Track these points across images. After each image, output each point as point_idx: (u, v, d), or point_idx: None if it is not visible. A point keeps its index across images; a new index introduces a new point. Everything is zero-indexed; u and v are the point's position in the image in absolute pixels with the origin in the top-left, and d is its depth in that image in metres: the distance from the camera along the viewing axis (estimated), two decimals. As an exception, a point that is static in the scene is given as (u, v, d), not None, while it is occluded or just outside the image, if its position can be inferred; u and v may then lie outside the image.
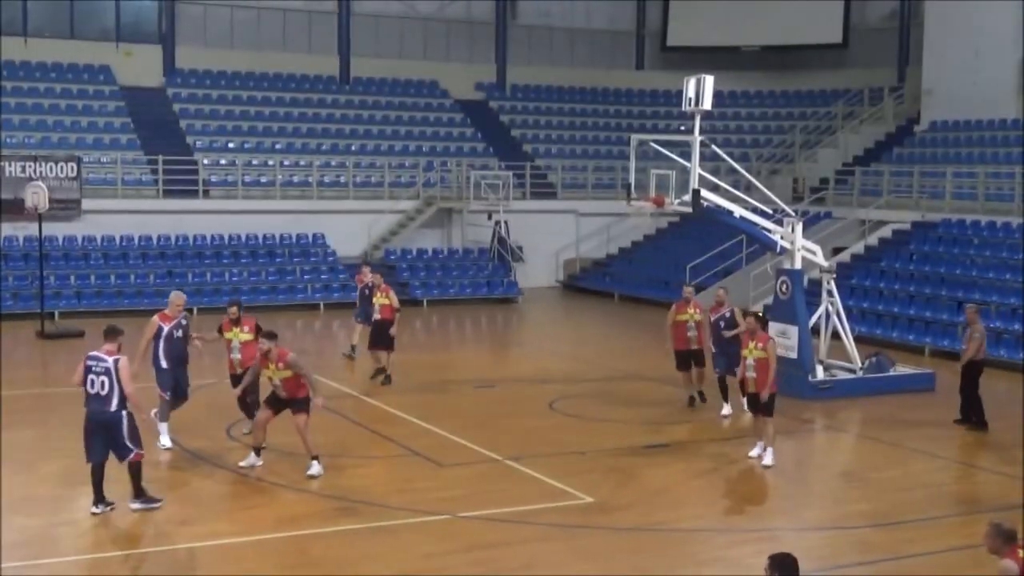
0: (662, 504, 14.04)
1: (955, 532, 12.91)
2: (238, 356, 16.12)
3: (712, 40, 42.36)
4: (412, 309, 30.15)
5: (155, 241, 31.80)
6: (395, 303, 20.98)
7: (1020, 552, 8.39)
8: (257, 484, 14.26)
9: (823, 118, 40.68)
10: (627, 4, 44.58)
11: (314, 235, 33.51)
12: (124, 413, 12.65)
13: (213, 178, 34.09)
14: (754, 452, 15.86)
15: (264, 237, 32.95)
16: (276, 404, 14.69)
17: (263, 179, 34.71)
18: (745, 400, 16.29)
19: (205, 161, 34.34)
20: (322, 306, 31.34)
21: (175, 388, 15.84)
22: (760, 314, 17.99)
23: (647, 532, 12.85)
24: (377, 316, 20.85)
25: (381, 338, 20.80)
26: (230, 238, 32.56)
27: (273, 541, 12.25)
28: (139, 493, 12.99)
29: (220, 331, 16.40)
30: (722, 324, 18.45)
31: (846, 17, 41.48)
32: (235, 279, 31.27)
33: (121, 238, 31.43)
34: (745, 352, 15.88)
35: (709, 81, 19.47)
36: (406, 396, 19.86)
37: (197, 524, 12.76)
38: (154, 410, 15.40)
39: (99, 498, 12.84)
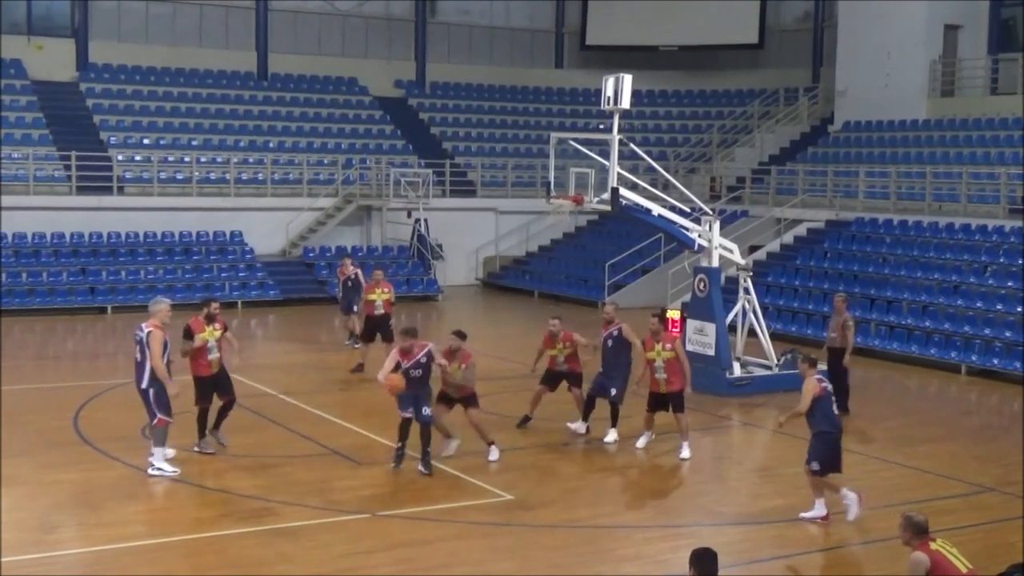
0: (580, 501, 14.11)
1: (868, 525, 13.12)
2: (216, 355, 15.25)
3: (630, 40, 42.66)
4: (331, 307, 29.93)
5: (68, 238, 31.22)
6: (393, 298, 22.07)
7: (931, 544, 8.56)
8: (174, 485, 14.08)
9: (739, 117, 41.15)
10: (546, 3, 44.74)
11: (231, 232, 33.15)
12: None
13: (128, 174, 33.57)
14: (632, 442, 16.11)
15: (180, 234, 32.51)
16: (448, 400, 15.19)
17: (179, 176, 34.26)
18: (648, 399, 16.21)
19: (119, 157, 33.79)
20: (240, 304, 31.02)
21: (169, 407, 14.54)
22: (662, 313, 17.73)
23: (565, 529, 12.90)
24: (380, 311, 21.63)
25: (385, 332, 21.44)
26: (145, 235, 32.07)
27: (189, 542, 12.11)
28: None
29: (189, 333, 15.07)
30: (609, 343, 16.85)
31: (762, 18, 41.99)
32: (151, 277, 30.81)
33: (33, 235, 30.79)
34: (652, 354, 15.96)
35: (628, 80, 19.58)
36: (325, 395, 19.76)
37: (113, 526, 12.56)
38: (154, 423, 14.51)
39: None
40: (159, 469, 14.35)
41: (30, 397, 18.99)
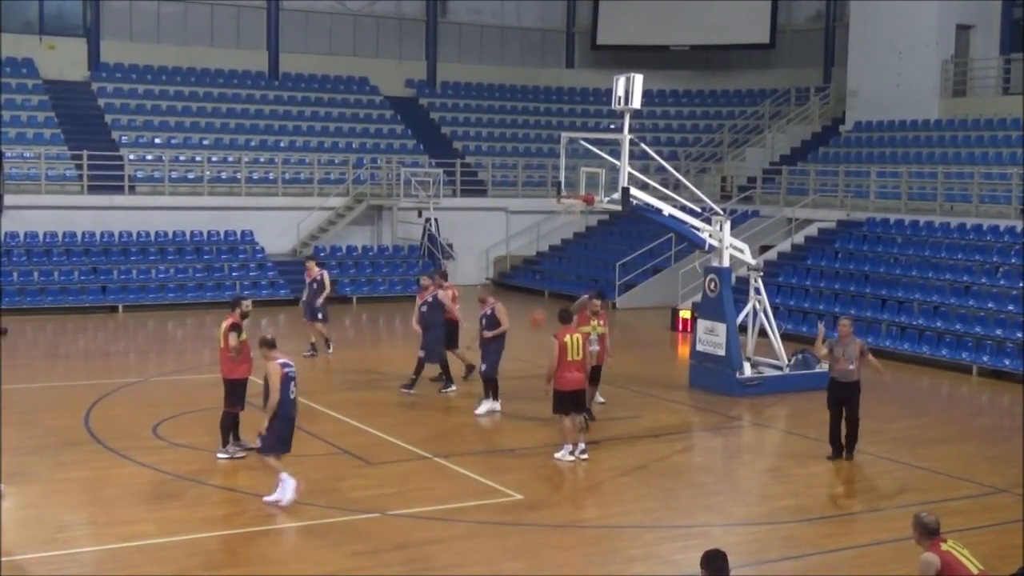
0: (590, 501, 14.11)
1: (878, 526, 13.11)
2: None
3: (641, 39, 42.64)
4: (341, 306, 30.02)
5: (79, 237, 31.26)
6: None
7: (942, 545, 8.54)
8: (185, 484, 14.09)
9: (751, 117, 41.09)
10: (557, 3, 44.70)
11: (242, 232, 33.18)
12: None
13: (139, 173, 33.63)
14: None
15: (191, 234, 32.54)
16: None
17: (190, 175, 34.31)
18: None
19: (131, 156, 33.85)
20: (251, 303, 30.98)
21: None
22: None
23: (575, 529, 12.90)
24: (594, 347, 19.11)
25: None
26: (156, 234, 32.11)
27: (201, 541, 12.12)
28: None
29: (240, 331, 15.15)
30: (483, 322, 19.02)
31: (773, 18, 41.91)
32: (162, 276, 30.87)
33: (44, 234, 30.85)
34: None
35: (638, 80, 19.55)
36: (335, 394, 19.77)
37: (124, 525, 12.58)
38: None
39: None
40: None
41: (41, 395, 19.04)
